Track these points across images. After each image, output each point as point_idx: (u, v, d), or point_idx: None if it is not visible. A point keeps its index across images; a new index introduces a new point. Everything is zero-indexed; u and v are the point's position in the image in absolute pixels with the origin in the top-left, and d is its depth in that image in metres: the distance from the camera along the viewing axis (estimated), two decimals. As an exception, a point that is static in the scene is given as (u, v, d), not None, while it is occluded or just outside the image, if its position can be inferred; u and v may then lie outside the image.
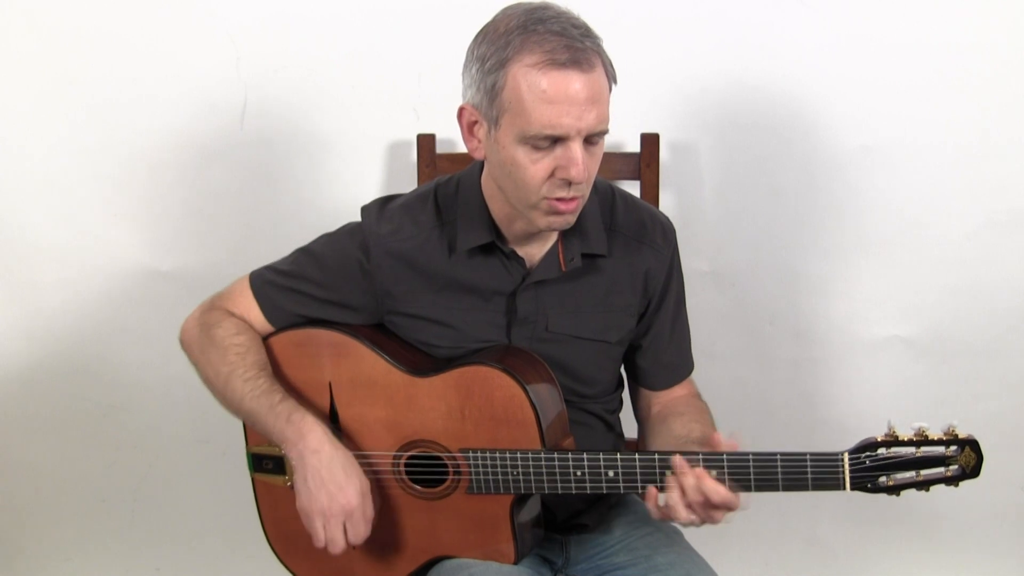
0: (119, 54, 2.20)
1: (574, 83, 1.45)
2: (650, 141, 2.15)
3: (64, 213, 2.27)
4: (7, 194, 2.26)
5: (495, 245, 1.64)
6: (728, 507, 1.49)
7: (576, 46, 1.45)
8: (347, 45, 2.20)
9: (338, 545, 1.60)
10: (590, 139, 1.50)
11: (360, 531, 1.61)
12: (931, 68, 2.19)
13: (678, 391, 1.81)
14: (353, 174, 2.27)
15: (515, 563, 1.64)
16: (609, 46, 1.52)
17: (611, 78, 1.51)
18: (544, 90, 1.45)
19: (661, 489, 1.53)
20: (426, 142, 2.16)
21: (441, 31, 2.17)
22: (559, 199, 1.52)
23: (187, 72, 2.21)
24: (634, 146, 2.16)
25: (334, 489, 1.58)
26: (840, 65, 2.19)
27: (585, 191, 1.55)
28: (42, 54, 2.20)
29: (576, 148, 1.48)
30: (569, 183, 1.50)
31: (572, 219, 1.57)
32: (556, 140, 1.48)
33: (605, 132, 1.52)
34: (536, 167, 1.50)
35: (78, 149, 2.24)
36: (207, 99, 2.23)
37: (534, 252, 1.67)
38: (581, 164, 1.48)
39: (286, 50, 2.21)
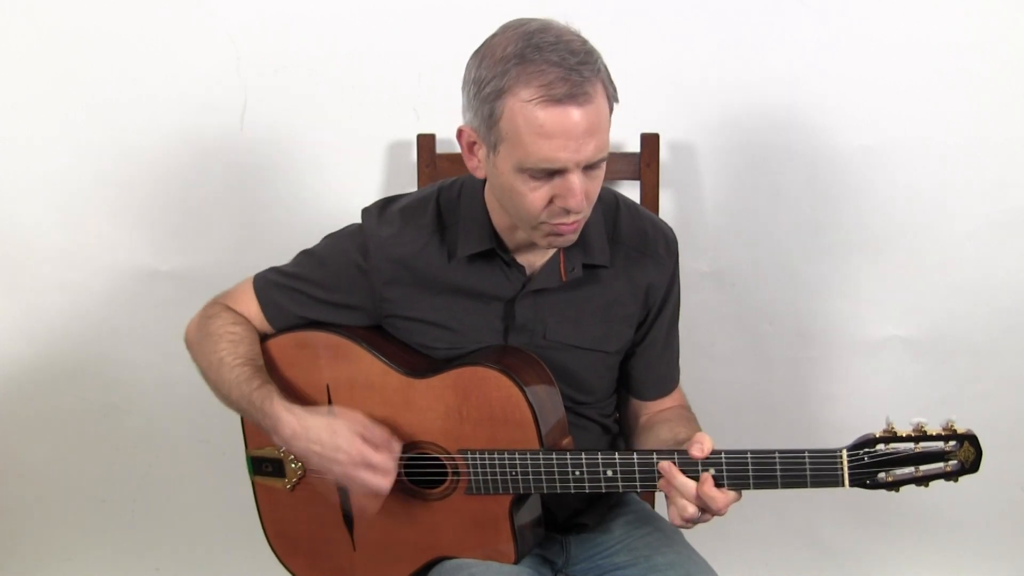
0: (119, 54, 2.20)
1: (571, 117, 1.43)
2: (650, 141, 2.15)
3: (64, 213, 2.27)
4: (7, 194, 2.26)
5: (495, 252, 1.64)
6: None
7: (573, 78, 1.42)
8: (347, 45, 2.20)
9: (384, 486, 1.58)
10: (590, 166, 1.49)
11: (384, 463, 1.58)
12: (931, 68, 2.18)
13: (667, 402, 1.81)
14: (353, 174, 2.27)
15: (515, 563, 1.64)
16: (609, 46, 1.52)
17: (611, 99, 1.49)
18: (541, 125, 1.43)
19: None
20: (426, 142, 2.16)
21: (441, 31, 2.18)
22: (559, 223, 1.52)
23: (187, 72, 2.21)
24: (634, 146, 2.16)
25: (332, 454, 1.58)
26: (840, 65, 2.19)
27: (586, 212, 1.54)
28: (42, 54, 2.20)
29: (574, 179, 1.47)
30: (568, 211, 1.50)
31: (574, 238, 1.57)
32: (554, 172, 1.47)
33: (605, 159, 1.50)
34: (534, 195, 1.49)
35: (78, 149, 2.24)
36: (207, 99, 2.23)
37: (534, 260, 1.67)
38: (579, 195, 1.47)
39: (286, 50, 2.21)
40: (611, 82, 1.49)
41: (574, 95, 1.43)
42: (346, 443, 1.57)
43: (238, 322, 1.71)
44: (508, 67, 1.44)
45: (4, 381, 2.38)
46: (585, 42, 1.48)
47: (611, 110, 1.50)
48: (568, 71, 1.43)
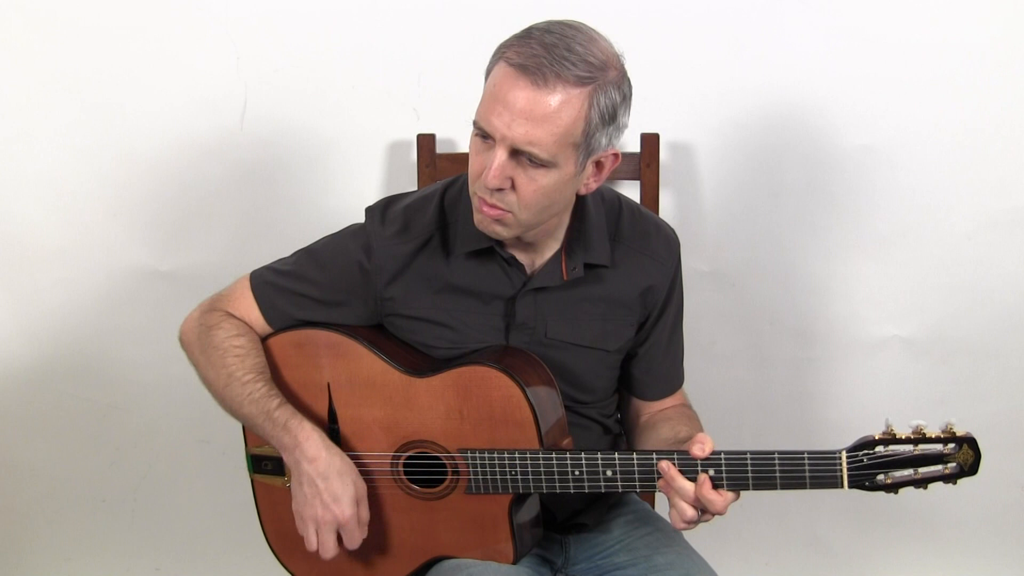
0: (119, 54, 2.20)
1: (516, 89, 1.43)
2: (650, 141, 2.15)
3: (64, 213, 2.27)
4: (7, 194, 2.26)
5: (494, 250, 1.64)
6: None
7: (542, 60, 1.42)
8: (347, 45, 2.20)
9: (329, 552, 1.61)
10: (526, 159, 1.47)
11: (355, 538, 1.62)
12: (931, 68, 2.19)
13: (669, 402, 1.81)
14: (353, 174, 2.27)
15: (514, 563, 1.64)
16: (609, 46, 1.52)
17: (589, 120, 1.46)
18: (494, 83, 1.46)
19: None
20: (426, 142, 2.16)
21: (441, 31, 2.18)
22: (481, 197, 1.52)
23: (187, 72, 2.21)
24: (634, 146, 2.16)
25: (328, 499, 1.59)
26: (840, 65, 2.19)
27: (513, 208, 1.51)
28: (41, 54, 2.20)
29: (499, 154, 1.46)
30: (490, 189, 1.49)
31: (500, 230, 1.55)
32: (490, 138, 1.48)
33: (538, 160, 1.46)
34: (476, 158, 1.51)
35: (78, 149, 2.24)
36: (207, 99, 2.23)
37: (535, 258, 1.66)
38: (494, 171, 1.46)
39: (286, 50, 2.21)
40: (598, 105, 1.46)
41: (532, 71, 1.43)
42: (348, 502, 1.59)
43: (242, 332, 1.70)
44: (520, 33, 1.48)
45: (4, 381, 2.37)
46: (606, 59, 1.47)
47: (585, 130, 1.47)
48: (548, 55, 1.43)
